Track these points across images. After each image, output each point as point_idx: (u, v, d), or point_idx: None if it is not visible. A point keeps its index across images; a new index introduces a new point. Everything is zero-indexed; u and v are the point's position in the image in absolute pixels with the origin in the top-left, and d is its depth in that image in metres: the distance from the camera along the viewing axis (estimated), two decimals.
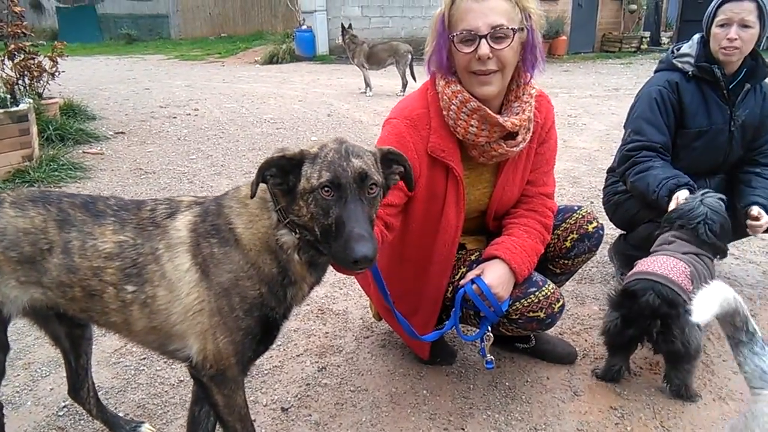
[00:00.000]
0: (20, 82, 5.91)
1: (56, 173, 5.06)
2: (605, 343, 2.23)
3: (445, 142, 1.94)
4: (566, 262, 2.21)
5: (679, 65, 2.77)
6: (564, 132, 6.58)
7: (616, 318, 2.11)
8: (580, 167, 5.37)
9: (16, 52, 5.84)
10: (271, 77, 12.62)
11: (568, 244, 2.17)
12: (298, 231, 1.42)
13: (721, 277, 3.10)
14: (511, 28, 1.77)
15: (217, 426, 1.67)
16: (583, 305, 2.88)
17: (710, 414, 2.09)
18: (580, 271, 2.64)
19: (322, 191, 1.34)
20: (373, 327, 2.70)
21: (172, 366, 2.37)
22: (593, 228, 2.16)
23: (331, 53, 15.86)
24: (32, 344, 2.55)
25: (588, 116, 7.78)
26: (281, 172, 1.39)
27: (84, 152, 5.96)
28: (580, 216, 2.17)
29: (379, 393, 2.23)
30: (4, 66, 5.81)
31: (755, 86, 2.75)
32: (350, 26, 10.12)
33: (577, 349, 2.45)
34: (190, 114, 8.23)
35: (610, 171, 3.10)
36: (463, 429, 2.03)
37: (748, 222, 2.54)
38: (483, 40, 1.76)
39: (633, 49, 16.99)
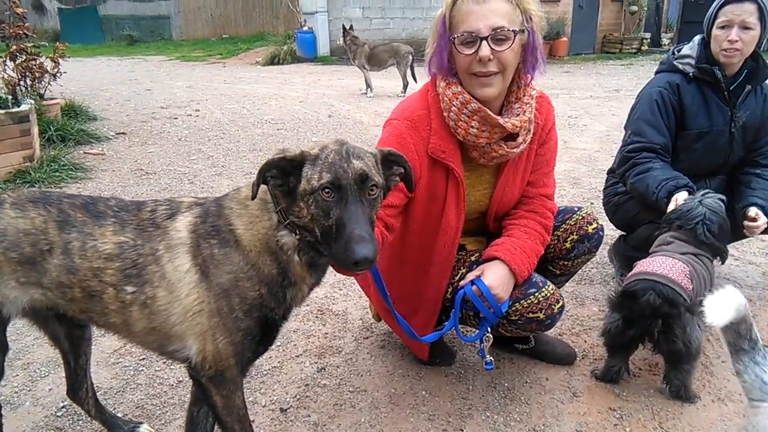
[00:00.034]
0: (22, 83, 5.93)
1: (57, 174, 5.07)
2: (605, 344, 2.23)
3: (446, 143, 1.94)
4: (566, 263, 2.21)
5: (680, 67, 2.77)
6: (564, 133, 6.58)
7: (617, 319, 2.11)
8: (581, 168, 5.37)
9: (17, 53, 5.86)
10: (272, 78, 12.63)
11: (568, 245, 2.17)
12: (298, 232, 1.42)
13: (720, 277, 3.10)
14: (512, 30, 1.77)
15: (216, 427, 1.67)
16: (583, 306, 2.88)
17: (709, 415, 2.09)
18: (579, 272, 2.64)
19: (322, 192, 1.34)
20: (373, 328, 2.70)
21: (171, 366, 2.38)
22: (593, 229, 2.16)
23: (332, 54, 15.88)
24: (31, 344, 2.55)
25: (588, 117, 7.78)
26: (282, 174, 1.39)
27: (85, 153, 5.97)
28: (580, 217, 2.17)
29: (378, 394, 2.23)
30: (6, 67, 5.82)
31: (756, 88, 2.76)
32: (351, 27, 10.13)
33: (576, 350, 2.45)
34: (191, 115, 8.24)
35: (611, 172, 3.10)
36: (462, 430, 2.03)
37: (745, 223, 2.54)
38: (484, 42, 1.76)
39: (634, 51, 16.99)
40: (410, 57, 9.54)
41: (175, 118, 7.96)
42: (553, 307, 2.03)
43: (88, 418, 2.02)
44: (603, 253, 3.17)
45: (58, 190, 4.76)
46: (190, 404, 1.71)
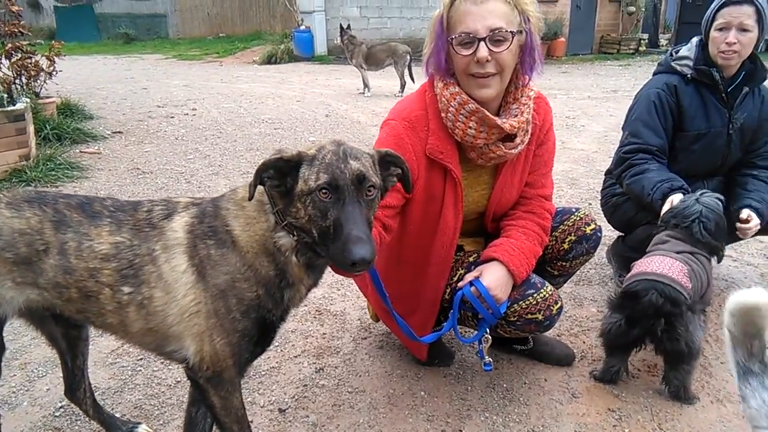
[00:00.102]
0: (17, 81, 5.89)
1: (53, 173, 5.05)
2: (604, 345, 2.22)
3: (444, 144, 1.93)
4: (564, 264, 2.21)
5: (678, 68, 2.77)
6: (562, 133, 6.59)
7: (619, 319, 2.11)
8: (579, 169, 5.38)
9: (13, 52, 5.82)
10: (269, 77, 12.61)
11: (566, 246, 2.17)
12: (295, 233, 1.42)
13: (718, 279, 3.11)
14: (510, 31, 1.76)
15: (214, 427, 1.66)
16: (581, 307, 2.88)
17: (708, 416, 2.09)
18: (578, 273, 2.64)
19: (319, 193, 1.34)
20: (371, 328, 2.69)
21: (169, 367, 2.37)
22: (591, 230, 2.16)
23: (329, 54, 15.85)
24: (29, 344, 2.54)
25: (586, 118, 7.79)
26: (279, 174, 1.39)
27: (81, 152, 5.95)
28: (578, 218, 2.17)
29: (377, 394, 2.23)
30: (1, 65, 5.79)
31: (754, 89, 2.76)
32: (349, 27, 10.12)
33: (575, 350, 2.45)
34: (187, 114, 8.22)
35: (608, 173, 3.11)
36: (461, 430, 2.03)
37: (738, 225, 2.55)
38: (482, 43, 1.76)
39: (631, 51, 17.04)
40: (408, 57, 9.53)
41: (172, 117, 7.94)
42: (551, 308, 2.03)
43: (86, 419, 2.01)
44: (601, 254, 3.17)
45: (54, 189, 4.74)
46: (189, 405, 1.71)
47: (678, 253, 2.22)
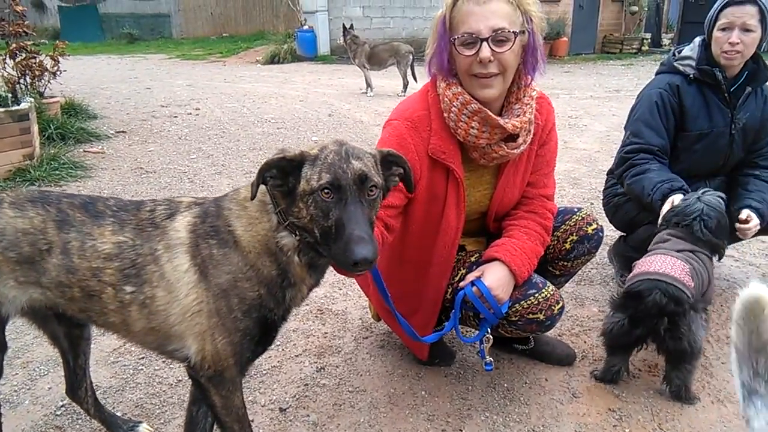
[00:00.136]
0: (21, 81, 5.92)
1: (57, 172, 5.07)
2: (606, 345, 2.22)
3: (446, 144, 1.94)
4: (566, 263, 2.21)
5: (681, 68, 2.77)
6: (564, 133, 6.58)
7: (622, 319, 2.10)
8: (581, 168, 5.37)
9: (17, 51, 5.86)
10: (272, 77, 12.62)
11: (567, 245, 2.17)
12: (298, 233, 1.42)
13: (720, 279, 3.11)
14: (513, 32, 1.77)
15: (215, 426, 1.67)
16: (583, 307, 2.88)
17: (708, 416, 2.09)
18: (579, 272, 2.64)
19: (321, 193, 1.34)
20: (372, 327, 2.70)
21: (171, 366, 2.37)
22: (593, 230, 2.16)
23: (332, 53, 15.87)
24: (31, 343, 2.55)
25: (588, 117, 7.78)
26: (281, 174, 1.39)
27: (85, 151, 5.96)
28: (580, 218, 2.17)
29: (378, 394, 2.23)
30: (6, 65, 5.82)
31: (756, 89, 2.76)
32: (351, 26, 10.13)
33: (576, 350, 2.45)
34: (191, 113, 8.24)
35: (610, 173, 3.10)
36: (461, 430, 2.03)
37: (737, 225, 2.54)
38: (484, 44, 1.76)
39: (634, 51, 17.00)
40: (410, 56, 9.53)
41: (175, 117, 7.95)
42: (553, 308, 2.03)
43: (88, 417, 2.02)
44: (603, 253, 3.17)
45: (57, 188, 4.75)
46: (190, 404, 1.71)
47: (678, 251, 2.22)
